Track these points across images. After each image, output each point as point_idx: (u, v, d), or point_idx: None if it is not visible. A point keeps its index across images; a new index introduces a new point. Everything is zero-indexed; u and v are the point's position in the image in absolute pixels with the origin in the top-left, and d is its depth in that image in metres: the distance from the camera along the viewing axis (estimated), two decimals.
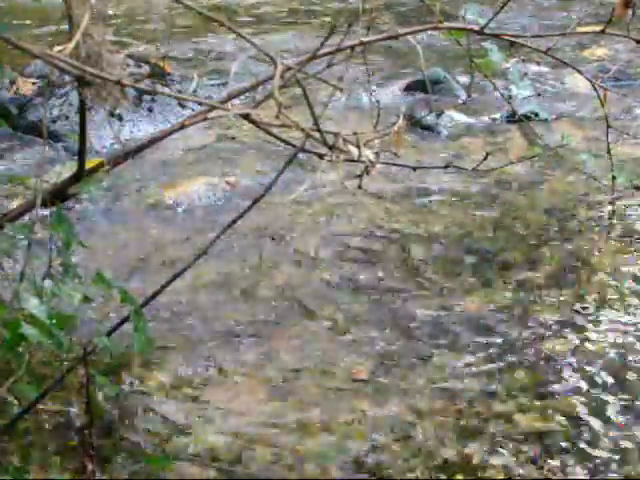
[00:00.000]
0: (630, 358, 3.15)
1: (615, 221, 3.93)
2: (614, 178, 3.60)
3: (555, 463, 2.74)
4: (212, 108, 2.13)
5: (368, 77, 2.78)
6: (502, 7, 2.56)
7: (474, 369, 3.12)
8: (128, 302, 2.34)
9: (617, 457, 2.75)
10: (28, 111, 4.91)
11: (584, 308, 3.41)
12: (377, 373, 3.12)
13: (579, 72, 2.83)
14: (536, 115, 4.90)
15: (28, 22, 6.37)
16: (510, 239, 3.85)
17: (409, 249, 3.78)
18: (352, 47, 2.38)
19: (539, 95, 5.15)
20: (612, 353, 3.17)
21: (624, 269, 3.63)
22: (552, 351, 3.20)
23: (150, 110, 4.96)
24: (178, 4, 2.02)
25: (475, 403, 2.97)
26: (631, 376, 3.06)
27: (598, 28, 2.61)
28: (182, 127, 2.47)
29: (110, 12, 6.49)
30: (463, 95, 5.12)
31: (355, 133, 1.98)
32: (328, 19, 6.35)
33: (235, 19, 6.40)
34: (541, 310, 3.40)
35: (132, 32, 6.20)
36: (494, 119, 4.91)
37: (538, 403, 2.97)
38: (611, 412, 2.92)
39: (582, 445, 2.79)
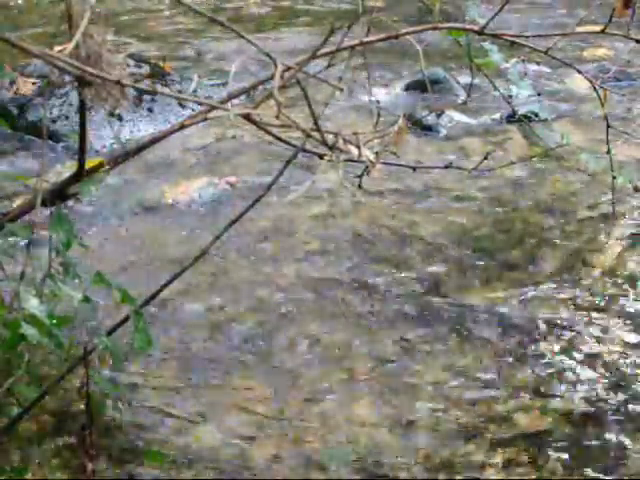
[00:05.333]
0: (630, 358, 3.15)
1: (615, 221, 3.92)
2: (614, 178, 3.59)
3: (555, 463, 2.74)
4: (212, 108, 2.13)
5: (368, 77, 2.78)
6: (502, 7, 2.55)
7: (474, 368, 3.12)
8: (128, 302, 2.34)
9: (617, 457, 2.75)
10: (28, 111, 4.91)
11: (584, 308, 3.41)
12: (378, 372, 3.12)
13: (579, 72, 2.83)
14: (536, 115, 4.89)
15: (28, 22, 6.37)
16: (510, 239, 3.85)
17: (409, 249, 3.78)
18: (352, 47, 2.38)
19: (539, 95, 5.15)
20: (612, 353, 3.17)
21: (624, 269, 3.62)
22: (552, 351, 3.20)
23: (150, 110, 4.95)
24: (178, 4, 2.02)
25: (475, 403, 2.97)
26: (631, 375, 3.06)
27: (598, 28, 2.61)
28: (182, 127, 2.47)
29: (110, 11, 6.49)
30: (463, 95, 5.12)
31: (355, 133, 1.98)
32: (329, 19, 6.34)
33: (235, 19, 6.40)
34: (541, 310, 3.40)
35: (132, 32, 6.20)
36: (494, 119, 4.91)
37: (538, 403, 2.97)
38: (611, 412, 2.92)
39: (582, 445, 2.80)
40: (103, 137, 4.70)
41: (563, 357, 3.17)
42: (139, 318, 2.33)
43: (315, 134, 1.87)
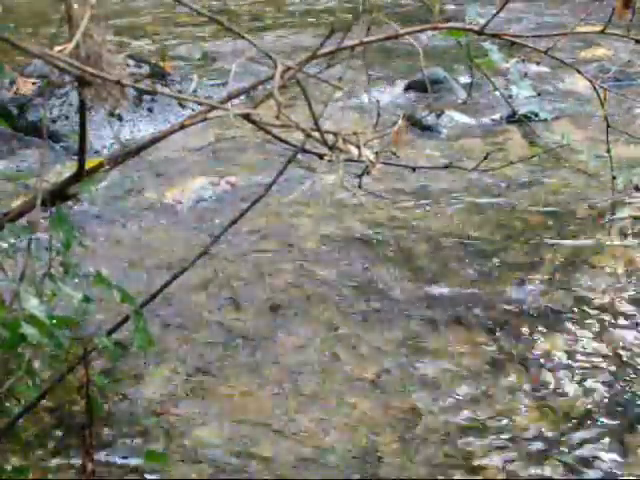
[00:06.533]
0: (630, 357, 3.15)
1: (615, 221, 3.93)
2: (614, 178, 3.60)
3: (555, 463, 2.74)
4: (212, 108, 2.14)
5: (368, 77, 2.78)
6: (502, 7, 2.56)
7: (474, 369, 3.12)
8: (127, 302, 2.34)
9: (618, 457, 2.75)
10: (28, 111, 4.92)
11: (584, 307, 3.41)
12: (377, 373, 3.12)
13: (579, 72, 2.83)
14: (536, 115, 4.89)
15: (28, 22, 6.37)
16: (510, 239, 3.85)
17: (409, 249, 3.78)
18: (352, 47, 2.38)
19: (539, 95, 5.15)
20: (612, 353, 3.18)
21: (624, 269, 3.63)
22: (552, 351, 3.20)
23: (150, 110, 4.96)
24: (178, 4, 2.02)
25: (475, 403, 2.97)
26: (631, 375, 3.07)
27: (598, 28, 2.61)
28: (182, 127, 2.47)
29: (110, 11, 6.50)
30: (463, 95, 5.12)
31: (355, 133, 1.98)
32: (329, 19, 6.35)
33: (235, 19, 6.40)
34: (541, 310, 3.41)
35: (132, 32, 6.20)
36: (494, 119, 4.91)
37: (538, 403, 2.97)
38: (611, 411, 2.92)
39: (582, 445, 2.80)
40: (103, 137, 4.70)
41: (563, 357, 3.17)
42: (139, 318, 2.33)
43: (315, 134, 1.87)
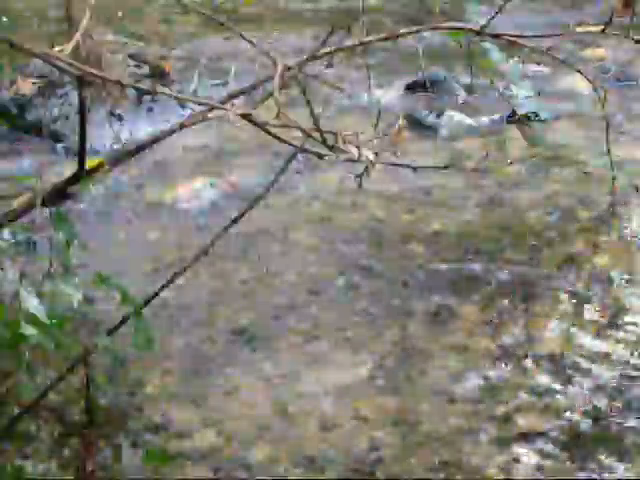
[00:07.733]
0: (630, 357, 3.15)
1: (615, 221, 3.93)
2: (614, 178, 3.59)
3: (555, 463, 2.74)
4: (212, 108, 2.14)
5: (368, 77, 2.79)
6: (502, 7, 2.55)
7: (473, 368, 3.12)
8: (128, 302, 2.34)
9: (618, 457, 2.75)
10: (28, 111, 4.92)
11: (584, 308, 3.41)
12: (377, 372, 3.12)
13: (579, 72, 2.83)
14: (536, 115, 4.89)
15: (28, 22, 6.37)
16: (510, 239, 3.85)
17: (408, 249, 3.78)
18: (352, 47, 2.38)
19: (539, 95, 5.15)
20: (612, 352, 3.18)
21: (624, 269, 3.63)
22: (552, 350, 3.20)
23: (150, 110, 4.95)
24: (178, 4, 2.02)
25: (475, 403, 2.97)
26: (631, 375, 3.07)
27: (598, 28, 2.61)
28: (182, 127, 2.47)
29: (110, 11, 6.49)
30: (463, 95, 5.12)
31: (355, 133, 1.98)
32: (329, 19, 6.34)
33: (235, 19, 6.40)
34: (540, 309, 3.41)
35: (132, 32, 6.20)
36: (494, 119, 4.91)
37: (538, 403, 2.97)
38: (611, 411, 2.92)
39: (582, 445, 2.80)
40: (103, 137, 4.70)
41: (563, 357, 3.17)
42: (139, 318, 2.33)
43: (315, 134, 1.87)
